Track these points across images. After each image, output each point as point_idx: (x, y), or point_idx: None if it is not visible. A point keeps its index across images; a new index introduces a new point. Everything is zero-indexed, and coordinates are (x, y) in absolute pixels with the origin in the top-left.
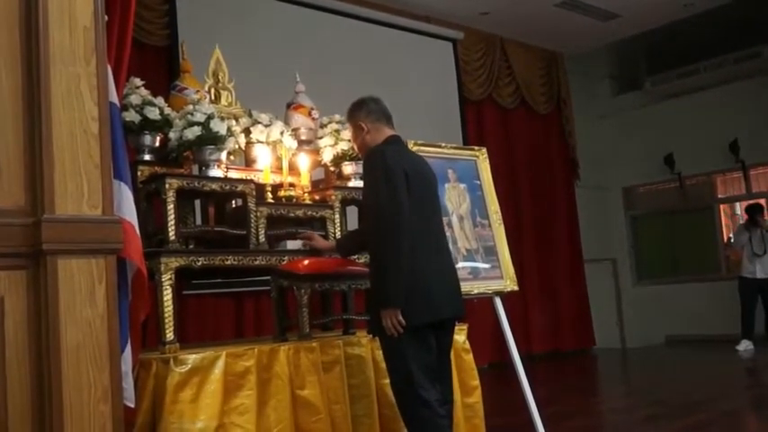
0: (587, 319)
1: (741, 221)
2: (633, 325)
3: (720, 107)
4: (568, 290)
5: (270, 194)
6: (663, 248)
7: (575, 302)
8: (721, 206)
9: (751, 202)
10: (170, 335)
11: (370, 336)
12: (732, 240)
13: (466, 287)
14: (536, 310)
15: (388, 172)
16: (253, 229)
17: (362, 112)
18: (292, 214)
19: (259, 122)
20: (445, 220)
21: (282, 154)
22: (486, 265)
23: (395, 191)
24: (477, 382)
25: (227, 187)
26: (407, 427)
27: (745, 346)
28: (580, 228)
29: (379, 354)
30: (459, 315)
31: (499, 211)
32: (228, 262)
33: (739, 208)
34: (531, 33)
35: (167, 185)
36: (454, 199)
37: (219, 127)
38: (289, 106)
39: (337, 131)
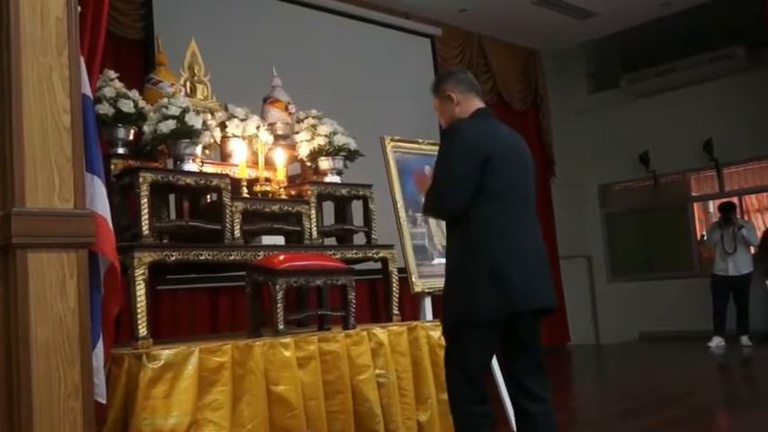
0: (562, 315)
1: (715, 219)
2: (607, 321)
3: (695, 106)
4: None
5: (245, 189)
6: (637, 246)
7: None
8: (695, 204)
9: (724, 200)
10: (143, 330)
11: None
12: (705, 238)
13: (441, 283)
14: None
15: (464, 155)
16: (228, 224)
17: (451, 82)
18: (268, 209)
19: (235, 117)
20: (422, 216)
21: (258, 149)
22: None
23: (458, 181)
24: None
25: (202, 182)
26: None
27: (716, 342)
28: (556, 225)
29: (355, 350)
30: (543, 307)
31: None
32: (203, 257)
33: (713, 206)
34: (508, 30)
35: (141, 179)
36: None
37: (195, 121)
38: (265, 101)
39: (314, 126)
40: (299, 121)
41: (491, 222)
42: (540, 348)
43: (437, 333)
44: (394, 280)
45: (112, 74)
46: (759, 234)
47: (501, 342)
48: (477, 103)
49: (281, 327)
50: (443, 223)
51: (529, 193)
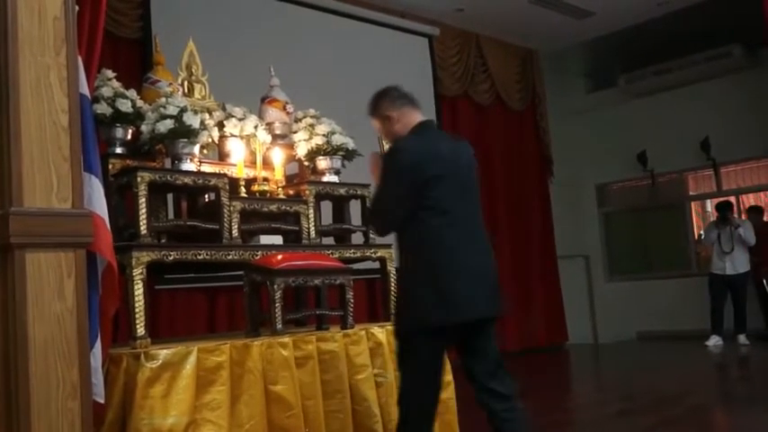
0: (560, 314)
1: (712, 218)
2: (605, 321)
3: (692, 105)
4: (542, 286)
5: (243, 189)
6: (635, 245)
7: (548, 298)
8: (692, 203)
9: (721, 199)
10: (141, 330)
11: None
12: (702, 237)
13: None
14: (509, 305)
15: (400, 177)
16: (226, 224)
17: (386, 100)
18: (266, 209)
19: (233, 116)
20: None
21: (256, 148)
22: None
23: (392, 204)
24: (450, 378)
25: (200, 181)
26: None
27: (714, 341)
28: (553, 224)
29: (353, 349)
30: (491, 315)
31: None
32: (201, 257)
33: (710, 205)
34: (506, 30)
35: (139, 179)
36: None
37: (192, 120)
38: (263, 100)
39: (312, 126)
40: (297, 120)
41: (434, 236)
42: (496, 350)
43: None
44: (392, 279)
45: (110, 73)
46: None
47: (458, 349)
48: (417, 117)
49: (279, 326)
50: None
51: (476, 202)
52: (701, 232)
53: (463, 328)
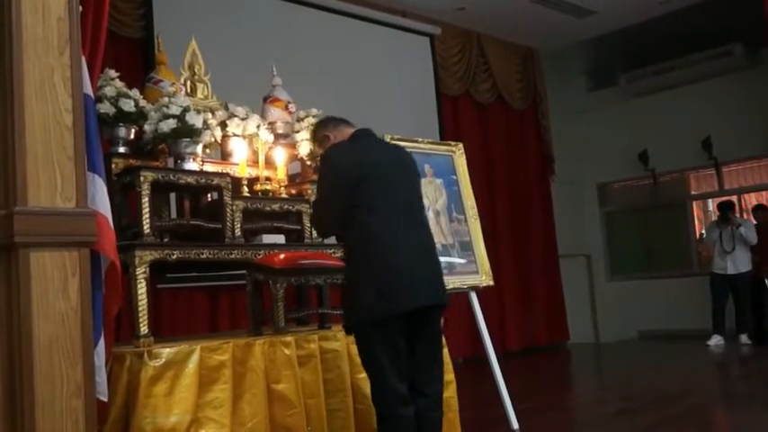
0: (561, 313)
1: (714, 218)
2: (606, 320)
3: (694, 104)
4: (543, 285)
5: (246, 188)
6: (636, 244)
7: (549, 297)
8: (694, 203)
9: (723, 199)
10: (144, 328)
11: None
12: (704, 236)
13: None
14: (511, 304)
15: (333, 181)
16: (228, 223)
17: (323, 126)
18: (268, 208)
19: (235, 116)
20: None
21: (259, 147)
22: (462, 260)
23: (327, 206)
24: (451, 377)
25: (203, 181)
26: None
27: (716, 341)
28: (555, 223)
29: (355, 348)
30: (431, 304)
31: (475, 206)
32: (204, 256)
33: (712, 204)
34: (507, 29)
35: (142, 178)
36: (431, 194)
37: (195, 120)
38: (265, 100)
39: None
40: (300, 120)
41: (371, 234)
42: (437, 345)
43: None
44: None
45: (113, 73)
46: None
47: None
48: (350, 130)
49: (281, 325)
50: (443, 220)
51: (409, 200)
52: (702, 231)
53: (407, 319)
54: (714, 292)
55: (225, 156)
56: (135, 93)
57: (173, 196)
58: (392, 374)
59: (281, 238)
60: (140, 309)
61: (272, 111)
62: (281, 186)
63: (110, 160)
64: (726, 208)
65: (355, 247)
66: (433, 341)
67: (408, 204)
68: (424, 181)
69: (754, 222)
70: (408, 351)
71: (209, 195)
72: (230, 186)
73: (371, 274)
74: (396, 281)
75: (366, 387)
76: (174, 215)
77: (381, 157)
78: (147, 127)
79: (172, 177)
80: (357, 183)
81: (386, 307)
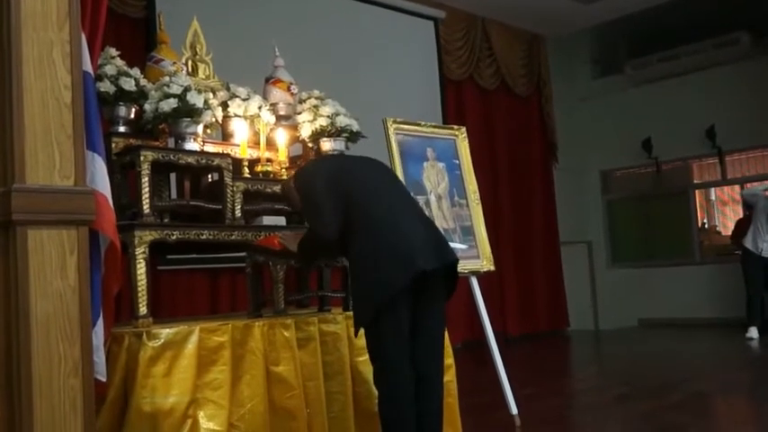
0: (562, 300)
1: (716, 207)
2: (607, 307)
3: (698, 93)
4: (544, 271)
5: (247, 169)
6: (638, 232)
7: (550, 284)
8: (697, 191)
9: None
10: (143, 309)
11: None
12: (746, 192)
13: None
14: (511, 290)
15: (322, 188)
16: (229, 204)
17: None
18: (269, 190)
19: (237, 96)
20: (423, 198)
21: (260, 129)
22: (463, 245)
23: (324, 212)
24: (451, 361)
25: (204, 161)
26: None
27: (754, 333)
28: (557, 210)
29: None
30: (448, 262)
31: (477, 190)
32: (204, 236)
33: (714, 193)
34: (512, 14)
35: (142, 158)
36: (432, 178)
37: (196, 99)
38: (267, 80)
39: (316, 107)
40: (302, 101)
41: (371, 218)
42: (442, 324)
43: None
44: None
45: (114, 51)
46: None
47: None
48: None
49: (281, 307)
50: (444, 205)
51: (401, 191)
52: (744, 192)
53: (420, 285)
54: (748, 276)
55: (226, 136)
56: (136, 72)
57: (173, 177)
58: (396, 356)
59: (281, 220)
60: (140, 289)
61: (274, 92)
62: (282, 168)
63: (110, 139)
64: None
65: (359, 236)
66: (439, 320)
67: (402, 194)
68: (425, 164)
69: None
70: (412, 329)
71: (209, 176)
72: (231, 167)
73: (380, 251)
74: (405, 246)
75: (365, 370)
76: (174, 195)
77: (357, 161)
78: (147, 106)
79: (172, 157)
80: (344, 179)
81: (405, 269)
